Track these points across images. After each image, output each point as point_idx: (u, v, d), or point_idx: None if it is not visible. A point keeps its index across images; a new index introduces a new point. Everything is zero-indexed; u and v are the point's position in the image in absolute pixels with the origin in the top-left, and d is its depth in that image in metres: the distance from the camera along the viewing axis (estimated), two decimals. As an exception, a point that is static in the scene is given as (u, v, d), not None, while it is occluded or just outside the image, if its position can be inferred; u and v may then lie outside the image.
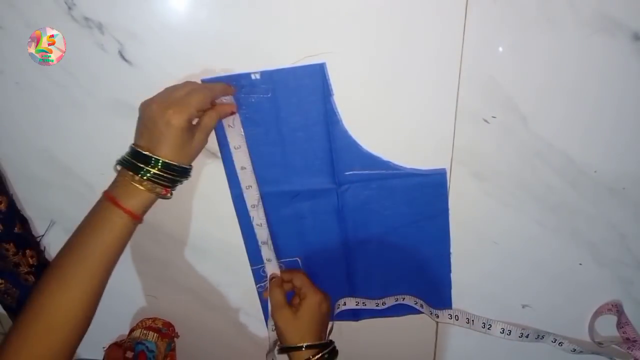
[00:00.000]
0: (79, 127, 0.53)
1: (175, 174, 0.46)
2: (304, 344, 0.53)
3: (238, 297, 0.62)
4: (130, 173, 0.44)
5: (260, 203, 0.54)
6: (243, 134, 0.51)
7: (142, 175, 0.44)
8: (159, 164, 0.44)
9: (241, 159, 0.52)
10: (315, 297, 0.55)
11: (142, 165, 0.44)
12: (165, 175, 0.45)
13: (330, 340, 0.56)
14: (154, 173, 0.44)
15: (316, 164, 0.53)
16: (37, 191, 0.56)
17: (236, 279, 0.60)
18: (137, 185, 0.44)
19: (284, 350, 0.54)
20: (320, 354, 0.53)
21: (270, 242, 0.56)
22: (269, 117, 0.50)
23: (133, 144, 0.46)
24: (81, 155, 0.54)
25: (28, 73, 0.50)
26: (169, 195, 0.47)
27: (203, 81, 0.49)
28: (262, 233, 0.56)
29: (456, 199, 0.54)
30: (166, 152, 0.44)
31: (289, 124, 0.51)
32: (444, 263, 0.58)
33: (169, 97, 0.45)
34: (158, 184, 0.45)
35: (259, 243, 0.57)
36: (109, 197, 0.45)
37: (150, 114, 0.44)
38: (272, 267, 0.58)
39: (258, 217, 0.55)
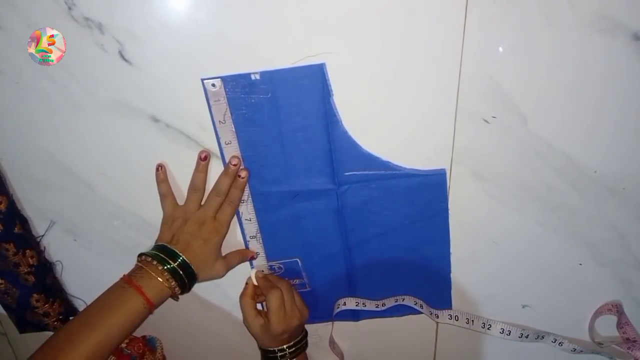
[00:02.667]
0: (78, 127, 0.53)
1: (186, 277, 0.51)
2: (277, 348, 0.56)
3: (238, 297, 0.62)
4: (154, 263, 0.50)
5: (250, 199, 0.55)
6: (234, 129, 0.51)
7: (163, 266, 0.50)
8: (179, 259, 0.50)
9: (232, 154, 0.52)
10: (274, 295, 0.54)
11: (166, 258, 0.50)
12: (179, 273, 0.50)
13: (304, 334, 0.59)
14: (173, 267, 0.50)
15: (316, 165, 0.53)
16: (37, 191, 0.56)
17: (236, 279, 0.60)
18: (157, 276, 0.49)
19: (262, 350, 0.58)
20: (290, 350, 0.57)
21: (259, 235, 0.57)
22: (269, 117, 0.50)
23: (159, 242, 0.53)
24: (81, 155, 0.54)
25: (28, 73, 0.50)
26: (177, 293, 0.51)
27: (203, 81, 0.49)
28: (250, 228, 0.57)
29: (456, 199, 0.54)
30: (190, 257, 0.51)
31: (288, 125, 0.51)
32: (443, 263, 0.58)
33: (203, 214, 0.53)
34: (174, 279, 0.50)
35: (248, 237, 0.57)
36: (125, 278, 0.49)
37: (185, 226, 0.52)
38: (260, 260, 0.59)
39: (247, 212, 0.56)
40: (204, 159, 0.53)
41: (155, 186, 0.54)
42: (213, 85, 0.49)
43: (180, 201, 0.55)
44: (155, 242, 0.54)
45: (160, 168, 0.54)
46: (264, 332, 0.56)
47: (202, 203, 0.54)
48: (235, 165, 0.52)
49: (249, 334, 0.61)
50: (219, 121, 0.51)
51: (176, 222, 0.53)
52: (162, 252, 0.51)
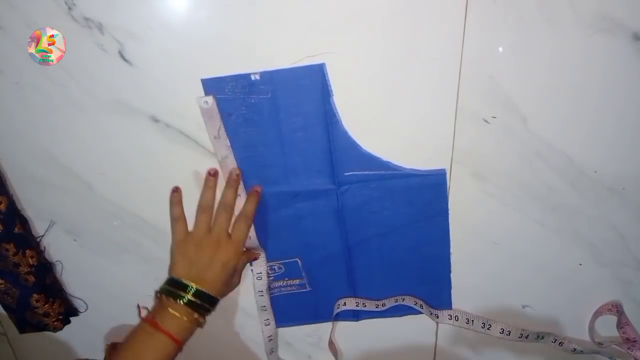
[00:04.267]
0: (78, 127, 0.53)
1: (205, 303, 0.50)
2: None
3: (238, 297, 0.62)
4: (170, 299, 0.49)
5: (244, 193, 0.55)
6: (229, 144, 0.51)
7: (179, 301, 0.49)
8: (193, 290, 0.49)
9: (229, 168, 0.53)
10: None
11: (179, 292, 0.49)
12: (197, 302, 0.49)
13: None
14: (189, 299, 0.49)
15: (316, 165, 0.53)
16: (37, 191, 0.56)
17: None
18: (182, 316, 0.48)
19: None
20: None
21: (253, 235, 0.57)
22: (269, 117, 0.50)
23: (171, 275, 0.51)
24: (81, 155, 0.54)
25: (28, 73, 0.50)
26: (202, 322, 0.50)
27: (203, 81, 0.49)
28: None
29: (456, 199, 0.54)
30: (208, 285, 0.50)
31: (288, 125, 0.51)
32: (443, 263, 0.58)
33: (216, 235, 0.51)
34: (194, 310, 0.49)
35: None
36: (150, 321, 0.49)
37: (200, 252, 0.51)
38: (260, 261, 0.58)
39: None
40: (214, 174, 0.52)
41: (155, 186, 0.54)
42: (205, 102, 0.49)
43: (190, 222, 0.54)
44: (169, 273, 0.52)
45: (176, 190, 0.54)
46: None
47: (212, 224, 0.53)
48: (237, 175, 0.52)
49: (249, 334, 0.61)
50: (214, 137, 0.51)
51: (190, 250, 0.51)
52: (177, 288, 0.50)
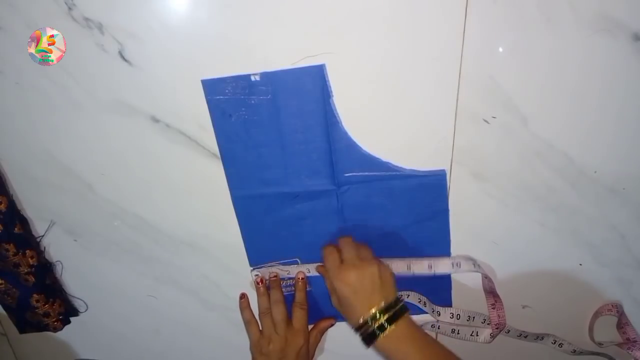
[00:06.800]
0: (79, 127, 0.53)
1: None
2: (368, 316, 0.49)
3: (238, 297, 0.62)
4: None
5: None
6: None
7: None
8: None
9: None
10: (335, 285, 0.50)
11: None
12: None
13: (398, 297, 0.51)
14: None
15: (316, 166, 0.53)
16: (37, 191, 0.56)
17: (236, 279, 0.60)
18: None
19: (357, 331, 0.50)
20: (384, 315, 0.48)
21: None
22: (269, 118, 0.50)
23: None
24: (81, 155, 0.54)
25: (28, 73, 0.50)
26: None
27: (203, 82, 0.49)
28: None
29: (456, 200, 0.54)
30: None
31: (288, 126, 0.51)
32: (444, 263, 0.58)
33: (281, 330, 0.57)
34: None
35: None
36: None
37: (273, 347, 0.57)
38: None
39: None
40: (261, 282, 0.59)
41: (155, 186, 0.54)
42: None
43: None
44: None
45: (243, 297, 0.61)
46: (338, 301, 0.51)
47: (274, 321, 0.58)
48: (260, 282, 0.58)
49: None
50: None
51: (264, 346, 0.58)
52: None
